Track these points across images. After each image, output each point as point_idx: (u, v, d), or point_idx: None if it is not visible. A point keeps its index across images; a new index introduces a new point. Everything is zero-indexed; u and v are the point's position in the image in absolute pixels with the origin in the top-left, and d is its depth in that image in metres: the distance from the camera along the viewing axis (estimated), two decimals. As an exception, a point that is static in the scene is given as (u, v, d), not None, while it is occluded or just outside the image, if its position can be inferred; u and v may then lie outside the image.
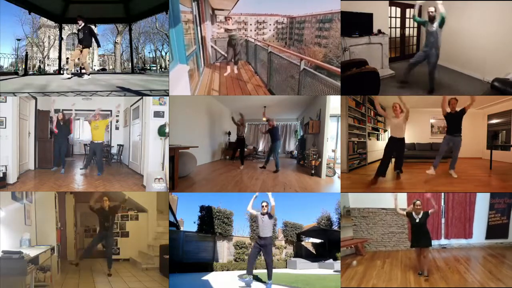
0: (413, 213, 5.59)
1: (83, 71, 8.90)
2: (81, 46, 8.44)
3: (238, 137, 10.26)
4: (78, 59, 8.60)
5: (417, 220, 5.54)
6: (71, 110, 8.17)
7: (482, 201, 7.73)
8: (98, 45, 9.10)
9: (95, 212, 6.74)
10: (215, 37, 13.35)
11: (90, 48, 8.77)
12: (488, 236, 7.80)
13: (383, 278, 5.58)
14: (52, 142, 8.76)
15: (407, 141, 7.89)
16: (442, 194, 7.52)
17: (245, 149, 13.12)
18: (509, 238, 7.91)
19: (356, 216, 7.44)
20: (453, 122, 6.94)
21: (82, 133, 12.52)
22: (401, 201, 7.45)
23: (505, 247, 7.65)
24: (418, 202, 5.59)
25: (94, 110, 8.06)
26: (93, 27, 10.29)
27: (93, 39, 8.63)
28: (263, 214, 5.81)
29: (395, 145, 6.93)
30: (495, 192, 7.57)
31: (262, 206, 5.83)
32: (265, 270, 5.91)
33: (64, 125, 8.05)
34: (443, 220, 7.67)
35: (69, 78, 8.42)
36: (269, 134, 9.80)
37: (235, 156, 10.93)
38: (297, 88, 7.34)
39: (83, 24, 8.43)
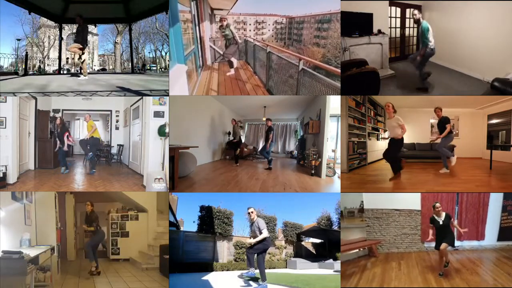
0: (435, 216, 5.65)
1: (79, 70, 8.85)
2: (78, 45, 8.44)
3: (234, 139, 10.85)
4: (79, 58, 8.55)
5: (441, 223, 5.61)
6: (71, 110, 8.15)
7: (495, 202, 7.72)
8: (86, 45, 8.84)
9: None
10: (214, 37, 13.35)
11: (86, 48, 8.72)
12: (500, 238, 7.78)
13: (403, 280, 5.57)
14: (52, 143, 8.76)
15: (407, 141, 7.93)
16: (456, 195, 7.53)
17: (245, 149, 13.16)
18: (521, 240, 7.89)
19: (370, 217, 7.39)
20: (439, 126, 7.48)
21: (82, 133, 12.51)
22: (413, 201, 7.53)
23: (517, 249, 7.71)
24: (437, 205, 5.66)
25: (93, 110, 8.09)
26: (92, 27, 10.30)
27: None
28: (252, 223, 5.73)
29: (389, 146, 7.07)
30: (508, 194, 7.58)
31: (248, 213, 5.76)
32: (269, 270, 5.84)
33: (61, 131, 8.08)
34: (455, 222, 7.56)
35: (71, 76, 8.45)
36: (266, 134, 10.03)
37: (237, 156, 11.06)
38: (295, 88, 7.34)
39: (81, 23, 8.44)
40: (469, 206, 7.64)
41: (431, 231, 5.75)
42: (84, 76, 8.62)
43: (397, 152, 7.11)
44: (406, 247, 7.50)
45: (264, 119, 12.97)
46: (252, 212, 5.74)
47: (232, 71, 10.15)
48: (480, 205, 7.71)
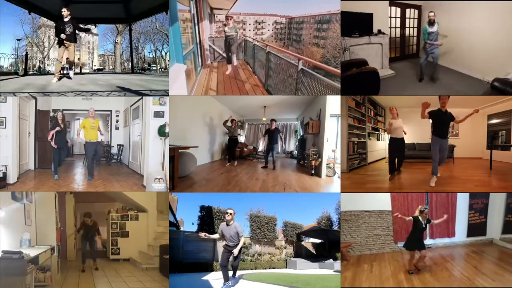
0: (420, 218, 5.76)
1: (69, 71, 8.30)
2: (68, 42, 7.98)
3: (231, 137, 10.53)
4: (67, 58, 8.14)
5: (423, 225, 5.75)
6: (71, 110, 8.06)
7: (463, 201, 7.96)
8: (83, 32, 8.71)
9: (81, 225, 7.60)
10: (213, 37, 13.33)
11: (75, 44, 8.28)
12: (469, 234, 8.10)
13: (374, 282, 5.56)
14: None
15: (407, 141, 7.98)
16: (425, 195, 7.59)
17: (245, 149, 13.15)
18: (487, 235, 8.18)
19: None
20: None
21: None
22: (383, 202, 7.48)
23: (483, 243, 7.97)
24: (426, 211, 5.81)
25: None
26: (92, 26, 10.27)
27: (78, 32, 8.37)
28: (227, 224, 5.87)
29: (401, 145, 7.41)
30: (474, 193, 7.84)
31: (227, 213, 5.87)
32: (262, 270, 5.89)
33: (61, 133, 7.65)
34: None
35: (57, 81, 8.01)
36: (273, 135, 9.97)
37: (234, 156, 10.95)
38: (294, 88, 7.35)
39: (69, 17, 7.84)
40: (439, 206, 7.75)
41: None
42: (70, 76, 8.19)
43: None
44: (379, 248, 7.37)
45: (264, 119, 12.98)
46: (230, 213, 5.84)
47: (230, 68, 10.10)
48: (449, 205, 7.86)
